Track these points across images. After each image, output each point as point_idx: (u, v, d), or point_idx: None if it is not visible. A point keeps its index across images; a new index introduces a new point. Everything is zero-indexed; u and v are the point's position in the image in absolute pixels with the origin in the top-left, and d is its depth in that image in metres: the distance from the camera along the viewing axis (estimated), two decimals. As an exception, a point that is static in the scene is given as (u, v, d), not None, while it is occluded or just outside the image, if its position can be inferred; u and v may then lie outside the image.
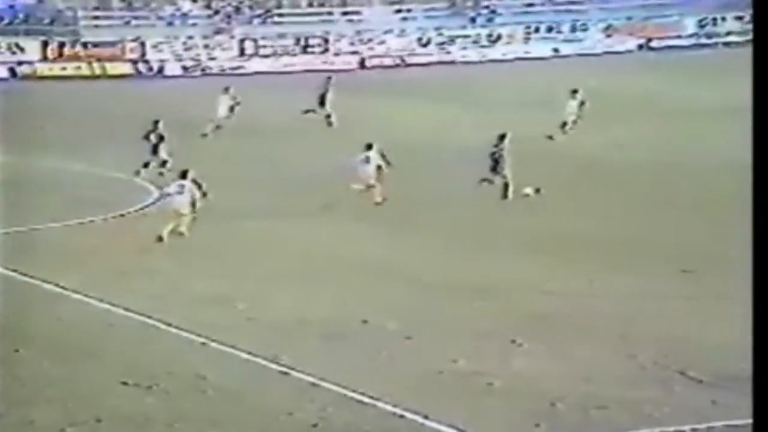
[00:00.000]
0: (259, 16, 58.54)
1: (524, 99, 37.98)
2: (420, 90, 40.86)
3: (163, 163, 24.17)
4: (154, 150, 25.00)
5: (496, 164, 22.88)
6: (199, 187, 19.94)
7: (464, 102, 37.18)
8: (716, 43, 59.23)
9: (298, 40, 56.55)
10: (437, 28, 59.98)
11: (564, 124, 29.67)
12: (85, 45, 53.11)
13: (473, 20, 62.04)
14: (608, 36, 61.03)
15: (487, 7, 62.81)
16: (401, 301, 15.88)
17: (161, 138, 25.10)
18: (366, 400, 12.14)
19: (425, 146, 29.47)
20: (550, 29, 61.99)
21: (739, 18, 62.17)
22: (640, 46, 58.91)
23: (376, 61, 55.20)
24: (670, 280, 16.61)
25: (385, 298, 16.06)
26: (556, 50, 58.40)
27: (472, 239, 19.65)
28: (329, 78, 34.62)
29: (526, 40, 61.16)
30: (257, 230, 20.37)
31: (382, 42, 58.36)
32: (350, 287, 16.61)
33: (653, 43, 59.02)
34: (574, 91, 30.25)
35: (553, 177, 24.29)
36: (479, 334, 14.31)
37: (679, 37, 60.43)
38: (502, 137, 23.23)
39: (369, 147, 22.71)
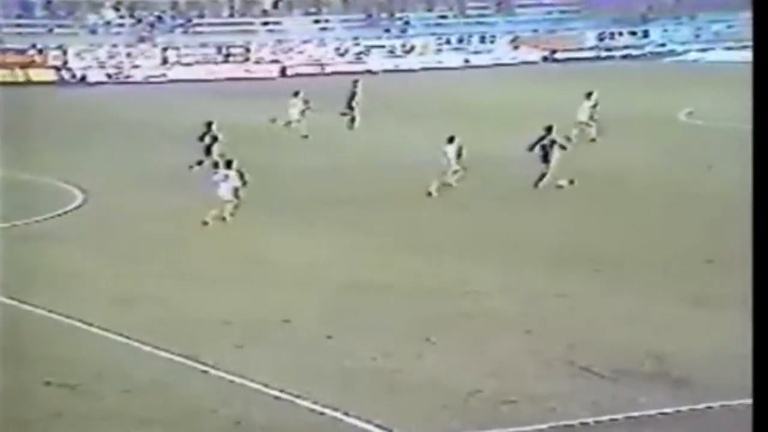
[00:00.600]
0: (181, 25, 58.02)
1: (437, 107, 38.30)
2: (338, 97, 40.85)
3: (215, 164, 23.41)
4: (208, 150, 24.98)
5: (546, 155, 23.17)
6: (242, 176, 20.98)
7: (377, 109, 37.26)
8: (614, 56, 60.35)
9: (219, 49, 56.21)
10: (354, 38, 60.12)
11: (582, 123, 28.54)
12: (6, 52, 52.16)
13: (388, 31, 62.30)
14: (515, 48, 61.74)
15: (401, 18, 63.16)
16: (324, 301, 15.87)
17: (215, 139, 25.15)
18: (287, 397, 12.10)
19: (349, 148, 29.57)
20: (460, 41, 62.51)
21: (633, 33, 63.67)
22: (545, 58, 59.72)
23: (296, 70, 55.09)
24: (581, 279, 16.73)
25: (308, 298, 16.03)
26: (467, 61, 58.88)
27: (396, 240, 19.67)
28: (356, 81, 34.26)
29: (438, 50, 61.59)
30: (178, 231, 20.21)
31: (302, 51, 58.31)
32: (273, 287, 16.54)
33: (557, 55, 59.88)
34: (589, 94, 29.24)
35: (475, 179, 24.59)
36: (397, 333, 14.36)
37: (580, 49, 61.43)
38: (549, 129, 23.45)
39: None
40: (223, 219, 20.86)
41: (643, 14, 65.68)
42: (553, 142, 23.24)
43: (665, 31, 64.40)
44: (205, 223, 20.50)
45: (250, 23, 59.69)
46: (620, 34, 63.74)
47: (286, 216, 21.38)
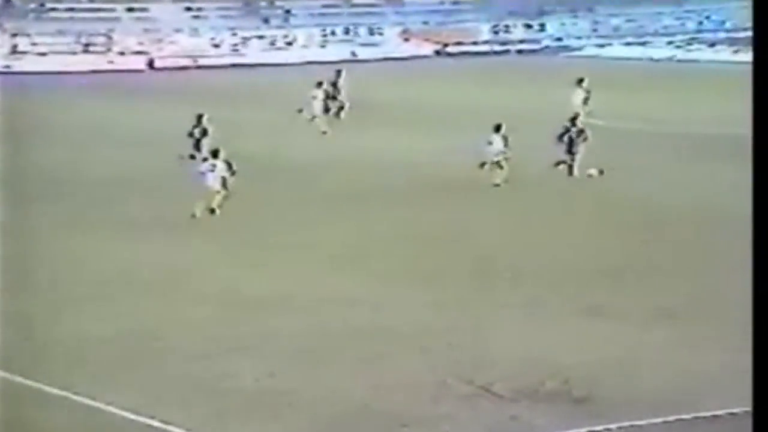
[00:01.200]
0: (34, 10, 56.44)
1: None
2: (213, 94, 40.42)
3: (204, 159, 23.56)
4: (197, 144, 25.33)
5: (570, 145, 24.67)
6: (230, 166, 21.70)
7: (254, 107, 37.04)
8: (509, 50, 61.20)
9: (78, 38, 54.89)
10: (231, 29, 59.63)
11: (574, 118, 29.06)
12: None
13: (267, 21, 61.96)
14: (405, 40, 62.09)
15: (281, 7, 62.81)
16: (201, 317, 15.66)
17: (205, 132, 25.57)
18: (158, 424, 11.91)
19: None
20: (347, 31, 62.56)
21: (529, 26, 64.66)
22: (438, 52, 60.20)
23: (166, 62, 54.33)
24: (481, 292, 16.89)
25: (183, 314, 15.81)
26: (353, 54, 58.95)
27: (288, 249, 19.58)
28: (339, 71, 34.68)
29: (323, 43, 61.53)
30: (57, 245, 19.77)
31: (173, 42, 57.53)
32: (149, 304, 16.27)
33: (449, 49, 60.42)
34: (581, 80, 30.03)
35: (367, 187, 24.65)
36: (285, 350, 14.26)
37: (474, 43, 62.11)
38: (573, 119, 25.19)
39: None
40: (212, 211, 21.47)
41: (540, 7, 66.77)
42: (581, 131, 24.97)
43: (562, 24, 65.54)
44: (194, 216, 21.18)
45: (113, 9, 58.43)
46: (515, 27, 64.68)
47: (154, 226, 21.09)
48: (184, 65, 53.88)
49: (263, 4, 62.77)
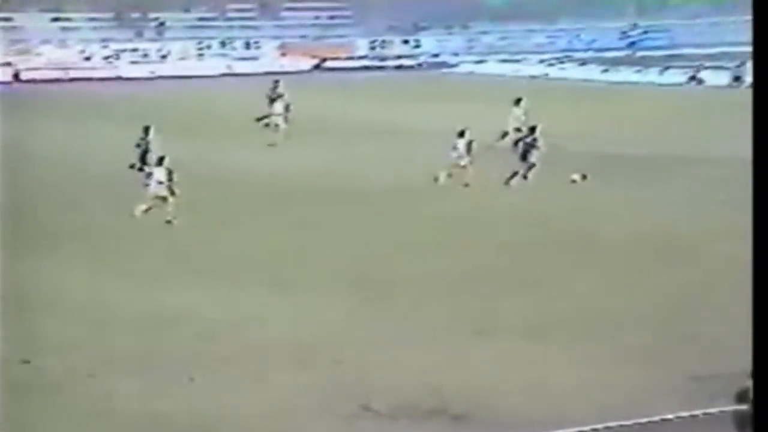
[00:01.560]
0: None
1: (193, 120, 37.85)
2: (85, 108, 39.67)
3: (140, 168, 24.59)
4: (143, 157, 25.38)
5: (526, 154, 25.83)
6: (170, 174, 22.33)
7: (131, 121, 36.45)
8: (387, 66, 61.56)
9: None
10: (103, 41, 58.61)
11: (505, 133, 29.70)
12: None
13: (140, 34, 61.11)
14: (283, 54, 61.94)
15: (155, 19, 62.00)
16: (77, 336, 15.19)
17: (147, 144, 25.82)
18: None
19: (85, 172, 28.70)
20: (223, 45, 62.15)
21: (406, 42, 65.27)
22: (316, 66, 60.19)
23: (32, 74, 53.03)
24: (363, 307, 16.73)
25: (56, 332, 15.33)
26: (230, 68, 58.57)
27: (169, 263, 19.21)
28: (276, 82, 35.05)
29: (200, 56, 61.01)
30: None
31: (40, 53, 56.22)
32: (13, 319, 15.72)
33: (328, 63, 60.48)
34: (518, 100, 30.42)
35: (237, 199, 24.38)
36: (155, 369, 13.91)
37: (351, 58, 62.30)
38: (533, 129, 26.25)
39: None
40: (169, 222, 21.97)
41: (415, 23, 67.38)
42: (534, 141, 25.90)
43: (438, 41, 66.24)
44: (132, 216, 21.92)
45: (-26, 18, 56.84)
46: (392, 42, 65.13)
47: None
48: (55, 78, 52.67)
49: (136, 16, 61.81)
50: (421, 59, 62.73)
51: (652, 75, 50.78)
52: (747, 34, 51.01)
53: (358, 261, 19.64)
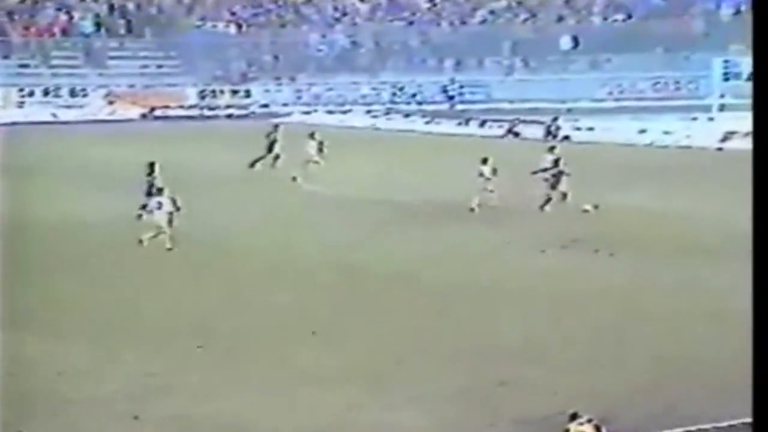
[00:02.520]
0: None
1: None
2: None
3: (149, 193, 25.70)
4: (149, 192, 25.93)
5: (556, 182, 28.50)
6: (174, 202, 24.08)
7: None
8: (218, 115, 61.79)
9: None
10: None
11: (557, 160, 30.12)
12: None
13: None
14: (110, 103, 61.44)
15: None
16: None
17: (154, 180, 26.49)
18: None
19: None
20: (47, 93, 61.22)
21: (235, 92, 65.75)
22: (144, 115, 59.91)
23: None
24: (184, 355, 16.82)
25: None
26: (54, 116, 57.74)
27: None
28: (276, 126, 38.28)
29: (21, 104, 59.90)
30: None
31: None
32: None
33: (157, 113, 60.28)
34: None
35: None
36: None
37: (182, 107, 62.29)
38: (557, 161, 28.95)
39: None
40: (169, 249, 23.77)
41: (243, 73, 67.92)
42: (560, 172, 28.51)
43: (267, 91, 66.87)
44: (141, 242, 23.87)
45: None
46: (222, 92, 65.45)
47: None
48: None
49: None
50: (251, 109, 63.19)
51: (472, 127, 52.51)
52: (560, 91, 53.43)
53: (189, 308, 19.79)
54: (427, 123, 55.13)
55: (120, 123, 56.14)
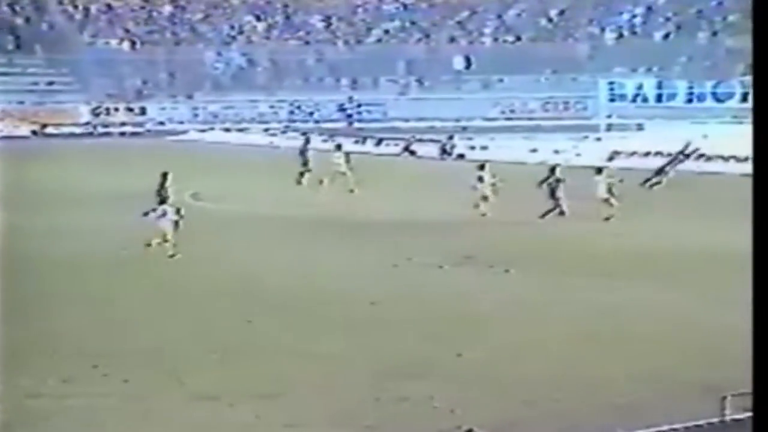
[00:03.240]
0: None
1: None
2: None
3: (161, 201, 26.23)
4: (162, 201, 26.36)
5: (552, 192, 29.63)
6: (178, 211, 25.43)
7: None
8: (111, 132, 61.02)
9: None
10: None
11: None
12: None
13: None
14: (0, 120, 60.29)
15: None
16: None
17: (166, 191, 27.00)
18: None
19: None
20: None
21: (130, 110, 64.99)
22: (35, 132, 58.84)
23: None
24: (82, 374, 16.52)
25: None
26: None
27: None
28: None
29: None
30: None
31: None
32: None
33: (49, 130, 59.28)
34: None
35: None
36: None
37: (74, 124, 61.33)
38: (553, 169, 30.39)
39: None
40: (172, 256, 24.83)
41: (138, 90, 67.21)
42: (558, 180, 29.60)
43: (163, 108, 66.25)
44: (148, 245, 24.97)
45: None
46: (116, 109, 64.64)
47: None
48: None
49: None
50: (147, 126, 62.55)
51: (369, 145, 52.69)
52: (454, 110, 54.13)
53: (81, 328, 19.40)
54: (325, 141, 55.19)
55: (9, 140, 54.94)
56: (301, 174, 38.41)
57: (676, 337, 18.65)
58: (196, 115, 65.90)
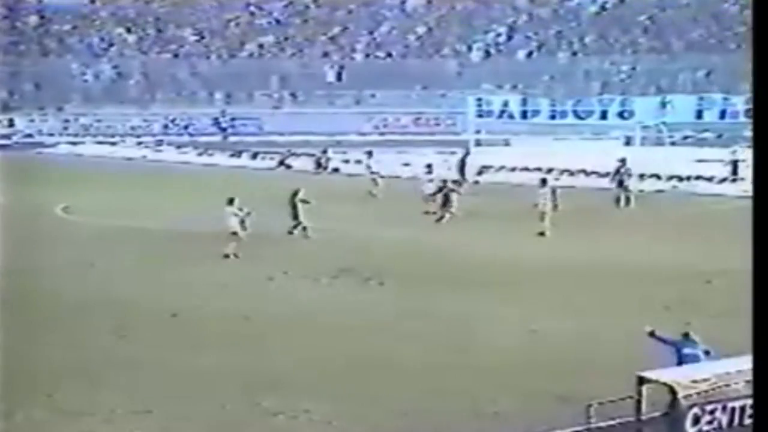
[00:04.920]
0: None
1: None
2: None
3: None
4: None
5: (446, 200, 31.66)
6: (240, 209, 27.20)
7: None
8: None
9: None
10: None
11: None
12: None
13: None
14: None
15: None
16: None
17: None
18: None
19: None
20: None
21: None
22: None
23: None
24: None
25: None
26: None
27: None
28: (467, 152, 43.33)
29: None
30: None
31: None
32: None
33: None
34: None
35: None
36: None
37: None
38: (444, 181, 33.17)
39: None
40: (236, 256, 26.32)
41: (4, 102, 65.61)
42: (452, 190, 32.15)
43: (31, 121, 64.76)
44: (227, 256, 26.31)
45: None
46: (-19, 122, 62.94)
47: None
48: None
49: None
50: (14, 139, 61.01)
51: (244, 159, 52.36)
52: (328, 125, 54.13)
53: None
54: (199, 155, 54.70)
55: None
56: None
57: (537, 348, 19.01)
58: (66, 128, 64.54)
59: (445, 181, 33.45)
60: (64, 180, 36.15)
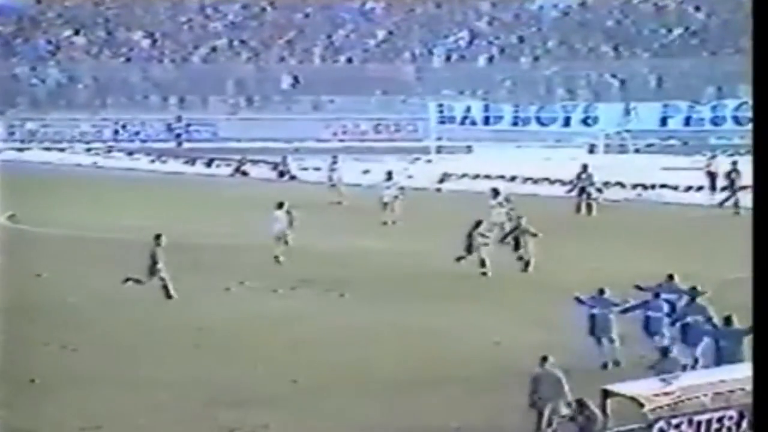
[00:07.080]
0: None
1: None
2: None
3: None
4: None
5: (517, 244, 27.92)
6: (288, 213, 28.10)
7: None
8: None
9: None
10: None
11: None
12: None
13: None
14: None
15: None
16: None
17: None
18: None
19: None
20: None
21: None
22: None
23: None
24: None
25: None
26: None
27: None
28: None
29: None
30: None
31: None
32: None
33: None
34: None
35: None
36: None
37: None
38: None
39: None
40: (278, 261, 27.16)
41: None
42: (524, 231, 27.93)
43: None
44: (277, 259, 27.26)
45: None
46: None
47: None
48: None
49: None
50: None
51: (199, 166, 52.11)
52: (285, 131, 53.97)
53: None
54: (152, 161, 54.40)
55: None
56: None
57: (501, 359, 19.07)
58: (12, 134, 63.95)
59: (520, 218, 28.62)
60: (9, 188, 35.72)
